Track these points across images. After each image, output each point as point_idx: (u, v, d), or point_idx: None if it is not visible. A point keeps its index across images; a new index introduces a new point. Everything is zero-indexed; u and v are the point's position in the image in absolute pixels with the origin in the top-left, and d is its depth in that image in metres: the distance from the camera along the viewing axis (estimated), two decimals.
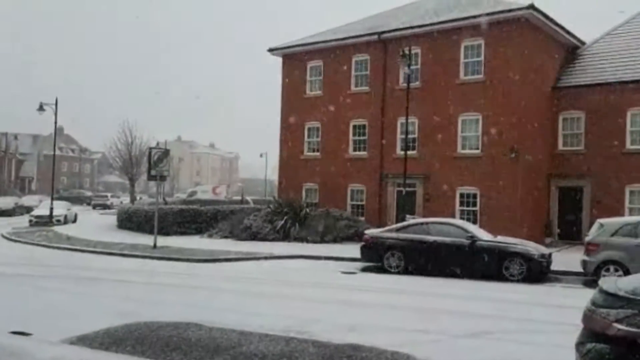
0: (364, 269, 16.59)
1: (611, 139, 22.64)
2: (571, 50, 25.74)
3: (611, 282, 5.70)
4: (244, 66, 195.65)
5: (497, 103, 22.34)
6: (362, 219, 25.25)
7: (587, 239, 14.61)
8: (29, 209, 42.15)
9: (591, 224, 16.34)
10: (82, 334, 7.75)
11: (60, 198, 49.65)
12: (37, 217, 34.20)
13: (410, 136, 22.92)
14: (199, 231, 26.64)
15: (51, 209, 34.23)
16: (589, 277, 14.01)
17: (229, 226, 25.53)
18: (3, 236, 26.32)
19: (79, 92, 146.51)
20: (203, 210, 28.15)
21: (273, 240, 23.38)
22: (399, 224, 17.73)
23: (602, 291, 5.46)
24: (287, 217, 24.09)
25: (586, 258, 14.15)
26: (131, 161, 52.88)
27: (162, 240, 21.87)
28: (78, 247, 21.47)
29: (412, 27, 24.78)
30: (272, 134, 30.64)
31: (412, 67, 22.04)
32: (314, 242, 22.63)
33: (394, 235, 16.35)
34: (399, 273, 15.67)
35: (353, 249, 18.35)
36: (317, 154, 27.78)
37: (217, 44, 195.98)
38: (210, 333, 7.96)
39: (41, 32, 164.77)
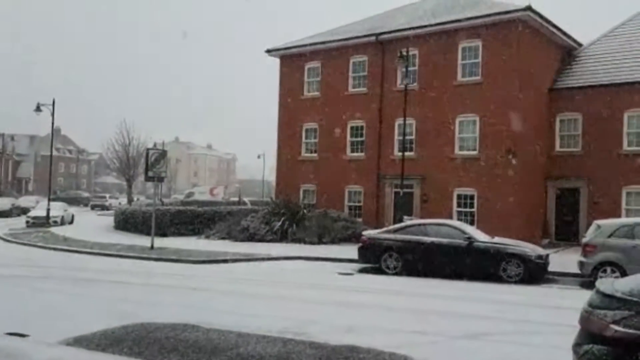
0: (362, 270, 16.58)
1: (608, 141, 22.69)
2: (568, 52, 25.80)
3: (608, 283, 5.71)
4: (242, 67, 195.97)
5: (494, 104, 22.37)
6: (360, 220, 25.25)
7: (584, 240, 14.63)
8: (25, 210, 42.04)
9: (588, 225, 16.37)
10: (79, 335, 7.73)
11: (57, 199, 49.50)
12: (33, 218, 34.11)
13: (407, 137, 22.93)
14: (196, 232, 26.63)
15: (48, 210, 34.13)
16: (586, 278, 14.02)
17: (227, 227, 25.51)
18: (0, 237, 26.25)
19: (76, 93, 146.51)
20: (200, 212, 28.13)
21: (270, 241, 23.38)
22: (397, 225, 17.72)
23: (599, 292, 5.47)
24: (285, 219, 24.09)
25: (583, 259, 14.17)
26: (128, 162, 52.81)
27: (160, 242, 21.85)
28: (75, 248, 21.41)
29: (410, 29, 24.80)
30: (270, 135, 30.68)
31: (409, 69, 22.10)
32: (312, 243, 22.62)
33: (391, 236, 16.35)
34: (396, 274, 15.67)
35: (350, 250, 18.34)
36: (315, 155, 27.78)
37: (215, 45, 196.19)
38: (207, 334, 7.95)
39: (39, 32, 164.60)
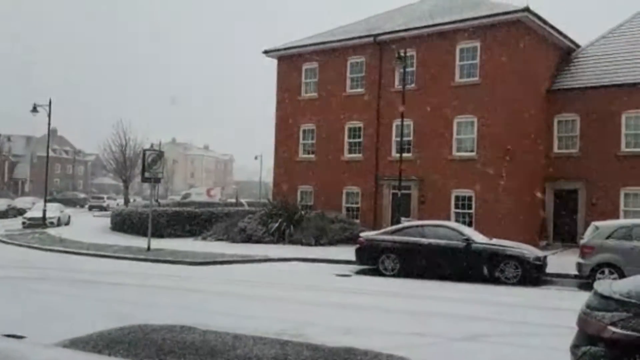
0: (359, 272, 16.56)
1: (606, 142, 22.72)
2: (566, 53, 25.84)
3: (606, 285, 5.70)
4: (240, 68, 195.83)
5: (492, 105, 22.38)
6: (357, 221, 25.24)
7: (582, 241, 14.62)
8: (22, 211, 42.00)
9: (586, 226, 16.35)
10: (75, 337, 7.69)
11: (54, 200, 49.47)
12: (30, 219, 34.05)
13: (405, 138, 22.92)
14: (193, 233, 26.58)
15: (44, 211, 34.07)
16: (584, 279, 14.02)
17: (224, 229, 25.47)
18: None
19: (72, 94, 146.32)
20: (197, 213, 28.10)
21: (268, 242, 23.35)
22: (394, 227, 17.70)
23: (597, 294, 5.46)
24: (282, 220, 24.06)
25: (581, 261, 14.16)
26: (125, 163, 52.81)
27: (156, 243, 21.81)
28: (71, 250, 21.35)
29: (407, 30, 24.82)
30: (267, 136, 30.68)
31: (407, 69, 22.10)
32: (309, 244, 22.59)
33: (389, 237, 16.32)
34: (394, 276, 15.64)
35: (348, 252, 18.32)
36: (312, 156, 27.75)
37: (213, 46, 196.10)
38: (204, 336, 7.92)
39: (36, 32, 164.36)
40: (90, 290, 13.00)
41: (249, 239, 23.84)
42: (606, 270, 13.56)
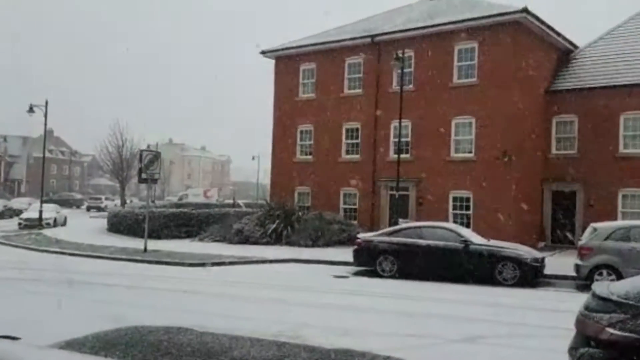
0: (357, 273, 16.53)
1: (604, 143, 22.74)
2: (565, 54, 25.87)
3: (604, 286, 5.70)
4: (237, 68, 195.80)
5: (490, 106, 22.38)
6: (355, 222, 25.20)
7: (580, 243, 14.63)
8: (18, 212, 41.83)
9: (584, 228, 16.37)
10: (71, 338, 7.64)
11: (50, 201, 49.31)
12: (26, 220, 33.93)
13: (403, 139, 22.92)
14: (190, 235, 26.51)
15: (40, 211, 33.95)
16: (582, 281, 14.02)
17: (221, 230, 25.42)
18: None
19: (70, 94, 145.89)
20: (194, 214, 28.03)
21: (265, 244, 23.30)
22: (392, 228, 17.68)
23: (595, 295, 5.45)
24: (279, 221, 24.02)
25: (579, 262, 14.16)
26: (122, 164, 52.69)
27: (153, 244, 21.74)
28: (67, 251, 21.28)
29: (405, 30, 24.82)
30: (265, 137, 30.62)
31: (405, 70, 22.09)
32: (306, 245, 22.55)
33: (386, 239, 16.29)
34: (391, 277, 15.61)
35: (345, 253, 18.28)
36: (310, 157, 27.72)
37: (211, 46, 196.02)
38: (201, 338, 7.88)
39: (33, 32, 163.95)
40: (86, 291, 12.95)
41: (246, 241, 23.79)
42: (604, 272, 13.57)
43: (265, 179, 53.41)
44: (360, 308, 11.26)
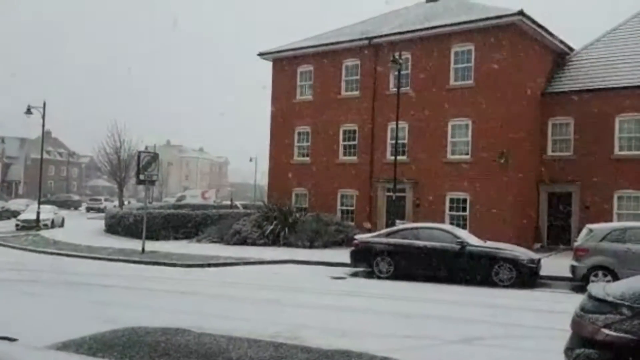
0: (354, 274, 16.56)
1: (600, 145, 22.81)
2: (561, 57, 25.93)
3: (600, 287, 5.73)
4: (235, 69, 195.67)
5: (486, 108, 22.43)
6: (352, 224, 25.22)
7: (576, 244, 14.68)
8: (15, 213, 41.72)
9: (580, 229, 16.42)
10: (68, 340, 7.65)
11: (48, 202, 49.23)
12: (23, 221, 33.86)
13: (400, 141, 22.95)
14: (187, 236, 26.50)
15: (38, 213, 33.90)
16: (578, 282, 14.06)
17: (218, 231, 25.42)
18: None
19: (68, 95, 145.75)
20: (192, 215, 28.02)
21: (262, 245, 23.30)
22: (389, 229, 17.71)
23: (590, 297, 5.49)
24: (277, 222, 24.03)
25: (575, 263, 14.21)
26: (120, 165, 52.63)
27: (151, 245, 21.73)
28: (65, 252, 21.26)
29: (402, 32, 24.87)
30: (262, 139, 30.62)
31: (402, 72, 22.14)
32: (304, 247, 22.57)
33: (383, 240, 16.32)
34: (388, 278, 15.64)
35: (343, 254, 18.31)
36: (307, 158, 27.75)
37: (208, 47, 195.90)
38: (198, 339, 7.90)
39: (31, 33, 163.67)
40: (83, 292, 12.95)
41: (243, 242, 23.80)
42: (600, 273, 13.61)
43: (263, 181, 53.44)
44: (357, 309, 11.28)
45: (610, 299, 5.28)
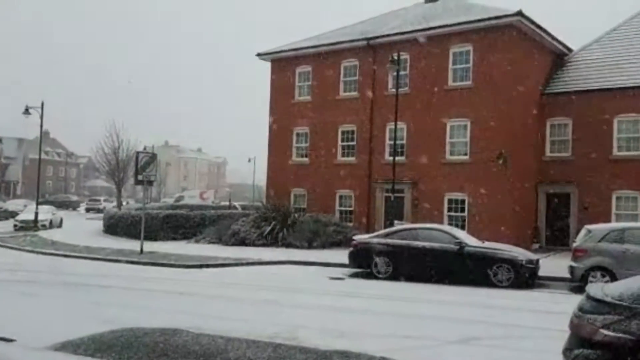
0: (352, 275, 16.55)
1: (598, 146, 22.83)
2: (559, 57, 25.97)
3: (598, 288, 5.73)
4: (233, 70, 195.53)
5: (485, 109, 22.45)
6: (351, 224, 25.23)
7: (574, 245, 14.68)
8: (13, 214, 41.67)
9: (579, 230, 16.43)
10: (66, 340, 7.64)
11: (46, 202, 49.17)
12: (21, 221, 33.82)
13: (398, 142, 22.94)
14: (186, 236, 26.49)
15: (36, 213, 33.86)
16: (577, 283, 14.07)
17: (217, 231, 25.40)
18: None
19: (66, 96, 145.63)
20: (190, 216, 28.02)
21: (261, 245, 23.29)
22: (388, 230, 17.72)
23: (589, 297, 5.49)
24: (275, 223, 24.02)
25: (573, 264, 14.21)
26: (118, 165, 52.59)
27: (149, 246, 21.71)
28: (63, 252, 21.23)
29: (401, 33, 24.88)
30: (261, 139, 30.62)
31: (401, 73, 22.14)
32: (302, 247, 22.56)
33: (382, 240, 16.32)
34: (387, 279, 15.64)
35: (341, 255, 18.30)
36: (306, 159, 27.74)
37: (207, 47, 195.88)
38: (197, 339, 7.89)
39: (29, 33, 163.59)
40: (82, 293, 12.93)
41: (242, 242, 23.78)
42: (598, 274, 13.62)
43: (261, 181, 53.37)
44: (356, 309, 11.28)
45: (608, 299, 5.28)
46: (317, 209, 26.19)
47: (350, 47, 26.34)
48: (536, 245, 23.16)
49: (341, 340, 8.12)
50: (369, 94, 25.65)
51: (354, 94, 26.30)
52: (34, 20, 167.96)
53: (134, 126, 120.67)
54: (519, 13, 21.75)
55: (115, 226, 29.63)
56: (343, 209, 26.36)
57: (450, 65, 23.55)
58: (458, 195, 23.08)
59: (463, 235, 16.27)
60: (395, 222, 20.97)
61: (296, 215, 25.00)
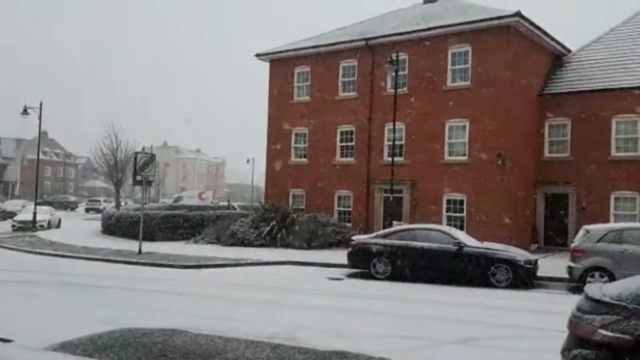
0: (351, 275, 16.55)
1: (597, 146, 22.86)
2: (558, 58, 25.99)
3: (596, 288, 5.73)
4: (232, 70, 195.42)
5: (483, 110, 22.46)
6: (349, 225, 25.23)
7: (572, 245, 14.68)
8: (11, 214, 41.63)
9: (577, 230, 16.45)
10: (65, 341, 7.63)
11: (44, 203, 49.12)
12: (20, 222, 33.78)
13: (397, 142, 22.95)
14: (184, 237, 26.47)
15: (34, 214, 33.83)
16: (575, 283, 14.08)
17: (215, 232, 25.39)
18: None
19: (64, 96, 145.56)
20: (189, 216, 28.00)
21: (259, 246, 23.28)
22: (386, 230, 17.72)
23: (587, 297, 5.49)
24: (274, 223, 24.01)
25: (572, 264, 14.23)
26: (116, 166, 52.58)
27: (148, 246, 21.69)
28: (61, 253, 21.21)
29: (399, 34, 24.89)
30: (259, 140, 30.61)
31: (399, 73, 22.15)
32: (301, 248, 22.56)
33: (380, 241, 16.33)
34: (386, 279, 15.64)
35: (340, 255, 18.31)
36: (304, 159, 27.74)
37: (206, 48, 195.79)
38: (195, 339, 7.88)
39: (28, 33, 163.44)
40: (80, 293, 12.91)
41: (240, 243, 23.77)
42: (596, 274, 13.63)
43: (260, 182, 53.38)
44: (354, 310, 11.28)
45: (607, 299, 5.28)
46: (315, 209, 26.19)
47: (349, 48, 26.35)
48: (535, 246, 23.18)
49: (340, 341, 8.11)
50: (368, 95, 25.66)
51: (353, 94, 26.31)
52: (33, 20, 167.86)
53: (132, 126, 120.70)
54: (518, 14, 21.77)
55: (113, 226, 29.60)
56: (342, 209, 26.36)
57: (449, 66, 23.56)
58: (457, 196, 23.09)
59: (462, 235, 16.28)
60: (394, 222, 20.98)
61: (295, 215, 24.98)
